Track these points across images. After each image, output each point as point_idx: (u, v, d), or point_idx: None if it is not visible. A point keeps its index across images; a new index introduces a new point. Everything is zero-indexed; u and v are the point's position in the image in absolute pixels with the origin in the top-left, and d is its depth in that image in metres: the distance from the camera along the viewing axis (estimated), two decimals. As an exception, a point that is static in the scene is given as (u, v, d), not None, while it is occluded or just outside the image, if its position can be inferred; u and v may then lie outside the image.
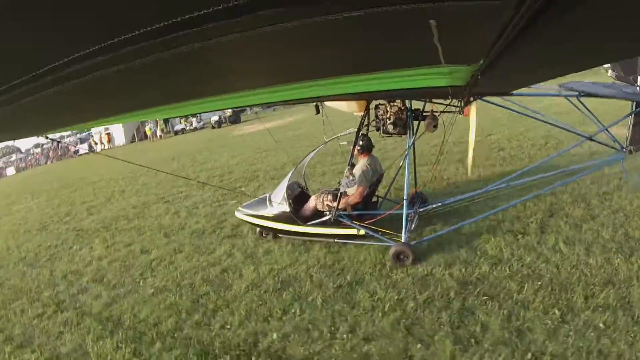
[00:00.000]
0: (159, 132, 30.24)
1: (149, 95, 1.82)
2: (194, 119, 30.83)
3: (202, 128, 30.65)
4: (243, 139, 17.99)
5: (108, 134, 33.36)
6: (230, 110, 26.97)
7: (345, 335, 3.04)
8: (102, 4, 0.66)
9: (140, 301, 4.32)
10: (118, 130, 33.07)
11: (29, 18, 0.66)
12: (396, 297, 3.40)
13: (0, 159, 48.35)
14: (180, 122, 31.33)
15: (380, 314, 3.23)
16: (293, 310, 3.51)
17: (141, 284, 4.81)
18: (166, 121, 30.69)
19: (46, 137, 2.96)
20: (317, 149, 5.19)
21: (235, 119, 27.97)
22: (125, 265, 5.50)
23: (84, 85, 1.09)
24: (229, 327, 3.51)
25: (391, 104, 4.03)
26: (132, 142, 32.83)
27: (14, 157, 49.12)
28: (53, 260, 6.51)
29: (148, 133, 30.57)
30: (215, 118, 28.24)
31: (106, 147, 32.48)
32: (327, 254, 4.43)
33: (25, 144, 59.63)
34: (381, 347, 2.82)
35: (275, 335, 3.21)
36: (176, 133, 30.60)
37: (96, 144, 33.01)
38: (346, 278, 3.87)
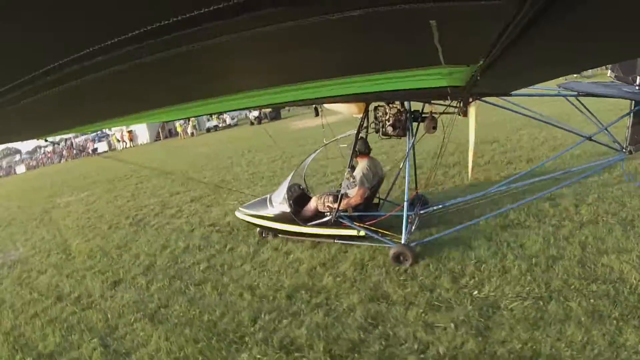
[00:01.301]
0: (190, 129, 27.90)
1: (148, 97, 1.76)
2: (227, 116, 28.56)
3: (235, 125, 28.42)
4: (311, 132, 15.67)
5: (130, 131, 30.83)
6: (268, 106, 24.84)
7: None
8: (102, 4, 0.65)
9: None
10: (141, 128, 30.54)
11: (29, 18, 0.65)
12: None
13: (3, 159, 46.65)
14: (211, 119, 29.07)
15: None
16: None
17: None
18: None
19: (46, 140, 2.75)
20: (317, 152, 5.02)
21: (275, 115, 25.94)
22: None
23: (84, 87, 1.06)
24: None
25: (390, 105, 3.89)
26: (156, 139, 30.33)
27: (17, 157, 47.06)
28: (223, 269, 4.22)
29: (179, 130, 28.20)
30: (255, 114, 26.11)
31: (128, 145, 29.94)
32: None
33: (25, 145, 56.76)
34: None
35: None
36: (208, 130, 28.32)
37: (118, 141, 30.42)
38: None
